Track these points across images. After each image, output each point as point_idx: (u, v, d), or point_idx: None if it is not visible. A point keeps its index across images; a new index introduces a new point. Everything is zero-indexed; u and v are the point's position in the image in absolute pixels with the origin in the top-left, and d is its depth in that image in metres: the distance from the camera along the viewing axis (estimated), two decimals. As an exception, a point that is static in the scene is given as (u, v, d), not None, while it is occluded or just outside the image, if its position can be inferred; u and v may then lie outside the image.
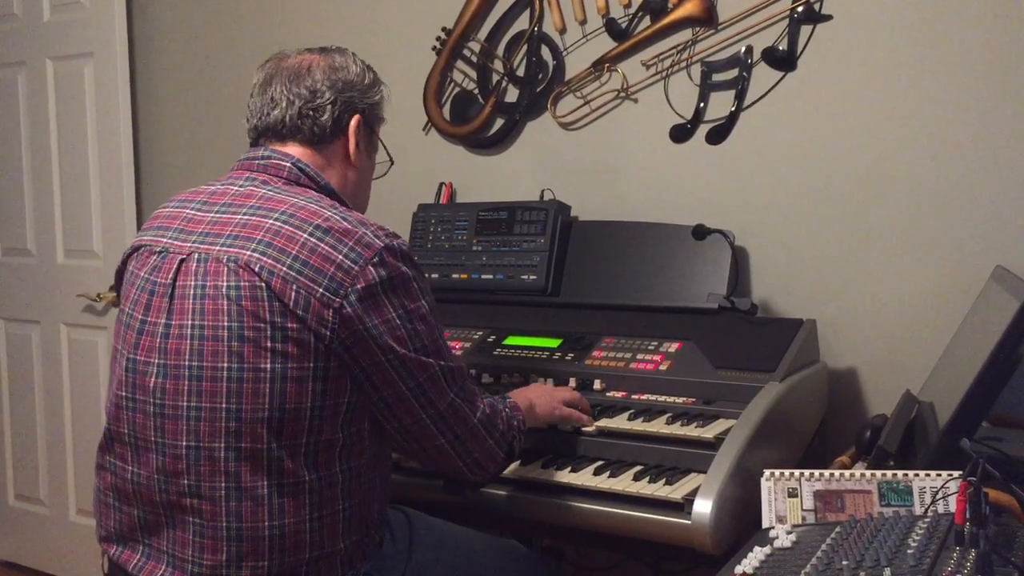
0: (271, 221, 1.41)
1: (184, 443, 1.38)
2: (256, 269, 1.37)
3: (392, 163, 1.72)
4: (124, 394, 1.46)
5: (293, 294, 1.35)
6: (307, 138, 1.54)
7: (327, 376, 1.38)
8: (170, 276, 1.43)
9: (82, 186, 3.24)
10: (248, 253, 1.38)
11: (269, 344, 1.36)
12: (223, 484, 1.37)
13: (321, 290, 1.35)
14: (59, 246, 3.34)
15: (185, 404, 1.38)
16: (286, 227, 1.39)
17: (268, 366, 1.36)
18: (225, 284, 1.38)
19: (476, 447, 1.51)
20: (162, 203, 1.60)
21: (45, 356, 3.41)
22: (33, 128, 3.36)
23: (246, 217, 1.43)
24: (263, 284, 1.36)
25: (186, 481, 1.39)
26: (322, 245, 1.38)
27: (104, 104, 3.17)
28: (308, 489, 1.39)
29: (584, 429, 1.80)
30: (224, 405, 1.36)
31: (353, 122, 1.56)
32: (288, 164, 1.51)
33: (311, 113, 1.53)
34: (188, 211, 1.51)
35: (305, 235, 1.38)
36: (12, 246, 3.48)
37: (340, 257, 1.37)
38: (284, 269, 1.36)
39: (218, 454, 1.37)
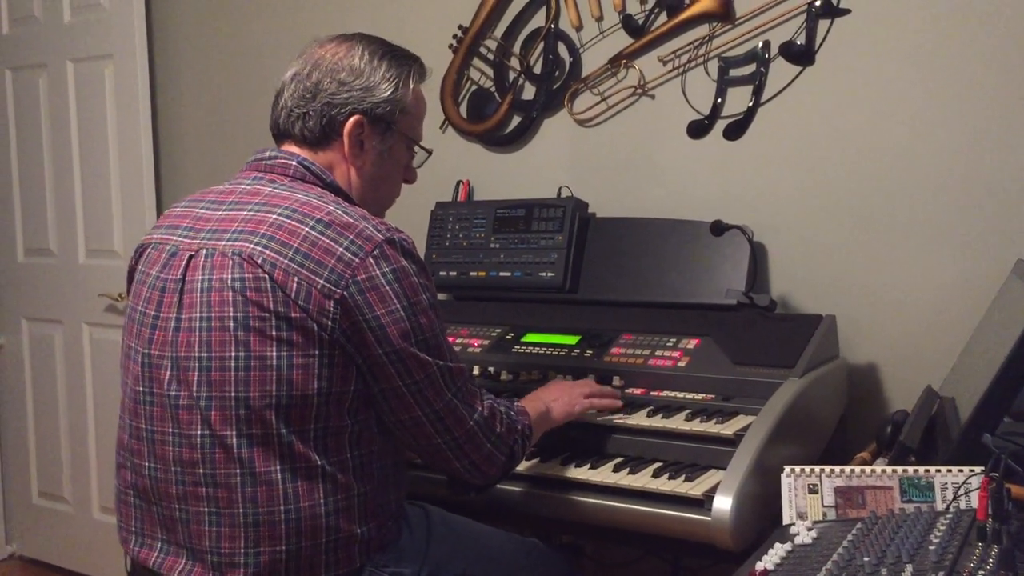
0: (275, 216, 1.43)
1: (198, 432, 1.40)
2: (259, 261, 1.39)
3: (429, 153, 1.70)
4: (141, 389, 1.48)
5: (295, 285, 1.37)
6: (299, 140, 1.56)
7: (332, 364, 1.39)
8: (180, 272, 1.46)
9: (103, 186, 3.27)
10: (251, 246, 1.40)
11: (274, 333, 1.37)
12: (238, 471, 1.39)
13: (322, 281, 1.37)
14: (81, 246, 3.37)
15: (196, 394, 1.40)
16: (289, 221, 1.41)
17: (274, 354, 1.38)
18: (230, 276, 1.40)
19: (473, 450, 1.51)
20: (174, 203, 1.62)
21: (68, 355, 3.45)
22: (54, 129, 3.39)
23: (251, 213, 1.45)
24: (266, 275, 1.38)
25: (202, 470, 1.41)
26: (323, 238, 1.39)
27: (124, 105, 3.20)
28: (321, 473, 1.40)
29: (600, 420, 1.79)
30: (233, 393, 1.38)
31: (349, 123, 1.54)
32: (294, 163, 1.53)
33: (302, 116, 1.54)
34: (197, 210, 1.53)
35: (307, 229, 1.40)
36: (34, 247, 3.51)
37: (341, 250, 1.39)
38: (286, 261, 1.38)
39: (230, 441, 1.39)
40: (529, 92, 2.54)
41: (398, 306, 1.40)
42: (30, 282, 3.54)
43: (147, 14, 3.21)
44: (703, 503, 1.54)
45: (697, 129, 2.29)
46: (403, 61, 1.60)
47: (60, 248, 3.43)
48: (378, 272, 1.39)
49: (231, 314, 1.39)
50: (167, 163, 3.34)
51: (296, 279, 1.37)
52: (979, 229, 1.99)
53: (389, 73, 1.57)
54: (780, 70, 2.18)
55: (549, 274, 2.22)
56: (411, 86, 1.60)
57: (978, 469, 1.30)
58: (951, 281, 2.02)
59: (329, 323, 1.37)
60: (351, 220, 1.42)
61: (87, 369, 3.39)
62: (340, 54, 1.56)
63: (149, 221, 3.16)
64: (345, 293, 1.37)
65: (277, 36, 3.02)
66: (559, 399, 1.76)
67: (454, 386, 1.48)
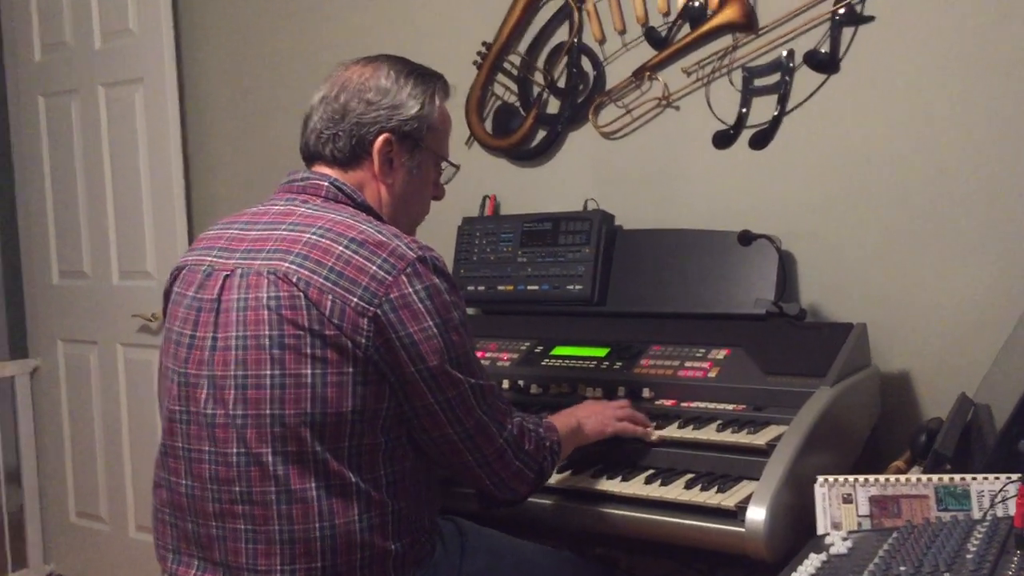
0: (308, 235, 1.45)
1: (234, 450, 1.42)
2: (294, 280, 1.40)
3: (457, 168, 1.72)
4: (178, 408, 1.50)
5: (329, 303, 1.38)
6: (330, 161, 1.58)
7: (366, 382, 1.40)
8: (215, 292, 1.48)
9: (135, 209, 3.32)
10: (286, 265, 1.42)
11: (309, 351, 1.39)
12: (273, 488, 1.40)
13: (355, 299, 1.38)
14: (114, 268, 3.41)
15: (233, 412, 1.42)
16: (323, 240, 1.43)
17: (309, 371, 1.39)
18: (265, 295, 1.42)
19: (502, 467, 1.53)
20: (209, 225, 1.65)
21: (103, 376, 3.49)
22: (87, 153, 3.44)
23: (285, 233, 1.47)
24: (301, 294, 1.40)
25: (238, 488, 1.42)
26: (356, 257, 1.41)
27: (155, 128, 3.25)
28: (356, 490, 1.41)
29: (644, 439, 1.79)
30: (269, 411, 1.40)
31: (379, 142, 1.56)
32: (326, 184, 1.55)
33: (332, 137, 1.57)
34: (231, 231, 1.56)
35: (340, 247, 1.42)
36: (69, 269, 3.57)
37: (374, 268, 1.40)
38: (320, 280, 1.40)
39: (266, 459, 1.40)
40: (554, 106, 2.55)
41: (430, 323, 1.41)
42: (65, 304, 3.59)
43: (176, 38, 3.26)
44: (736, 514, 1.54)
45: (722, 139, 2.29)
46: (428, 79, 1.62)
47: (94, 270, 3.48)
48: (411, 290, 1.41)
49: (267, 332, 1.41)
50: (198, 184, 3.39)
51: (330, 297, 1.39)
52: (1011, 234, 1.97)
53: (415, 91, 1.59)
54: (805, 79, 2.18)
55: (577, 287, 2.22)
56: (437, 103, 1.63)
57: (1015, 476, 1.29)
58: (983, 287, 2.00)
59: (363, 341, 1.38)
60: (384, 239, 1.44)
61: (122, 389, 3.43)
62: (366, 75, 1.58)
63: (181, 242, 3.20)
64: (379, 311, 1.39)
65: (304, 57, 3.06)
66: (592, 417, 1.77)
67: (484, 404, 1.49)
